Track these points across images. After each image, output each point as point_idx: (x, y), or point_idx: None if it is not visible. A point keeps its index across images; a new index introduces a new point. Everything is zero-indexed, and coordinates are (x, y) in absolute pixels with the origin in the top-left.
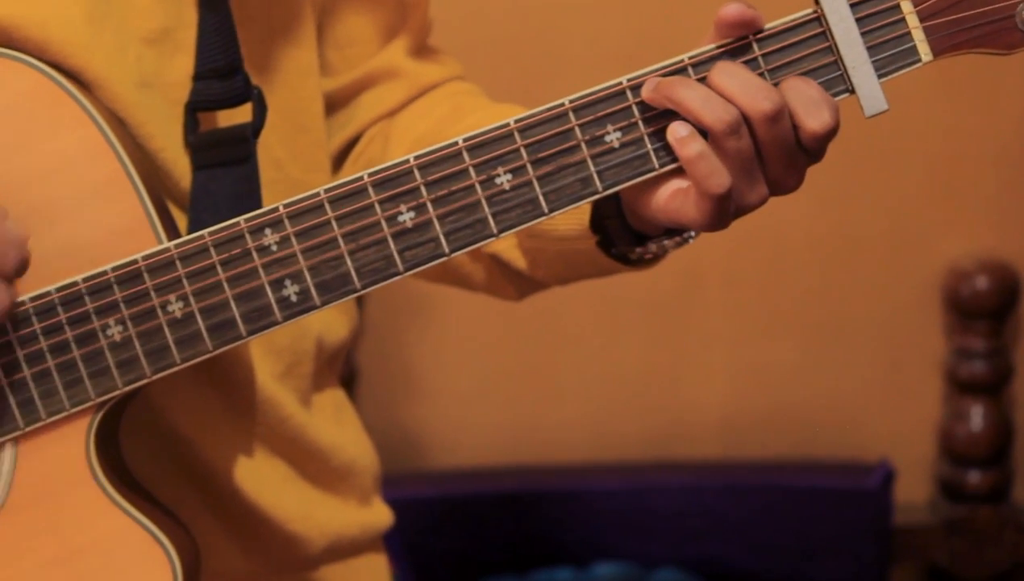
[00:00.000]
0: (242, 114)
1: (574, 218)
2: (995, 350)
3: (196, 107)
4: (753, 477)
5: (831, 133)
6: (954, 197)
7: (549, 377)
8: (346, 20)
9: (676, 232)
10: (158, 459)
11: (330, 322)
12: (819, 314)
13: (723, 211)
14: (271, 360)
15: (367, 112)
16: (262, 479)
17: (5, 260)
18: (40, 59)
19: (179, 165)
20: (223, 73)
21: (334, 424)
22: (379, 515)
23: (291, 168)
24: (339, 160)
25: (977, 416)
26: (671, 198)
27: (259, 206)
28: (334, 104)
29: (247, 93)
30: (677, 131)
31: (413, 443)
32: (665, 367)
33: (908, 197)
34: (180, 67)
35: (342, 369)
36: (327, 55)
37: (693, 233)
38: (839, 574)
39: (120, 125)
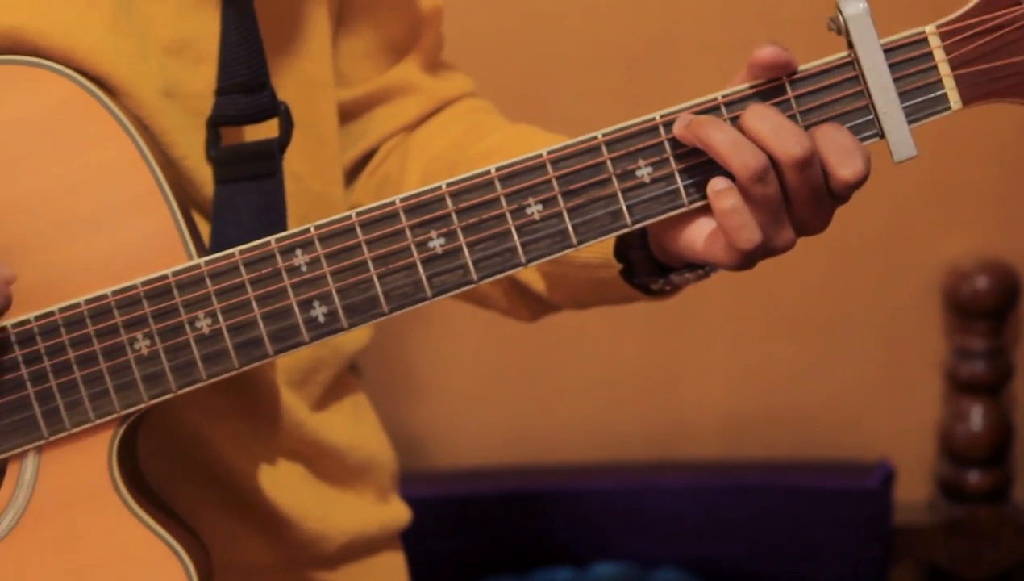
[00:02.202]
0: (264, 127)
1: (597, 246)
2: (995, 350)
3: (218, 121)
4: (753, 477)
5: (862, 181)
6: (954, 197)
7: (549, 377)
8: (361, 32)
9: (698, 265)
10: (176, 458)
11: None
12: (819, 314)
13: (751, 257)
14: (290, 366)
15: (383, 126)
16: (279, 479)
17: None
18: (66, 67)
19: (200, 172)
20: (249, 88)
21: (352, 423)
22: (397, 512)
23: (311, 181)
24: (353, 173)
25: (977, 416)
26: (702, 240)
27: (284, 220)
28: (346, 116)
29: (274, 108)
30: (716, 184)
31: (413, 443)
32: (665, 367)
33: (908, 197)
34: (202, 78)
35: None
36: (340, 66)
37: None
38: (839, 574)
39: (148, 135)
